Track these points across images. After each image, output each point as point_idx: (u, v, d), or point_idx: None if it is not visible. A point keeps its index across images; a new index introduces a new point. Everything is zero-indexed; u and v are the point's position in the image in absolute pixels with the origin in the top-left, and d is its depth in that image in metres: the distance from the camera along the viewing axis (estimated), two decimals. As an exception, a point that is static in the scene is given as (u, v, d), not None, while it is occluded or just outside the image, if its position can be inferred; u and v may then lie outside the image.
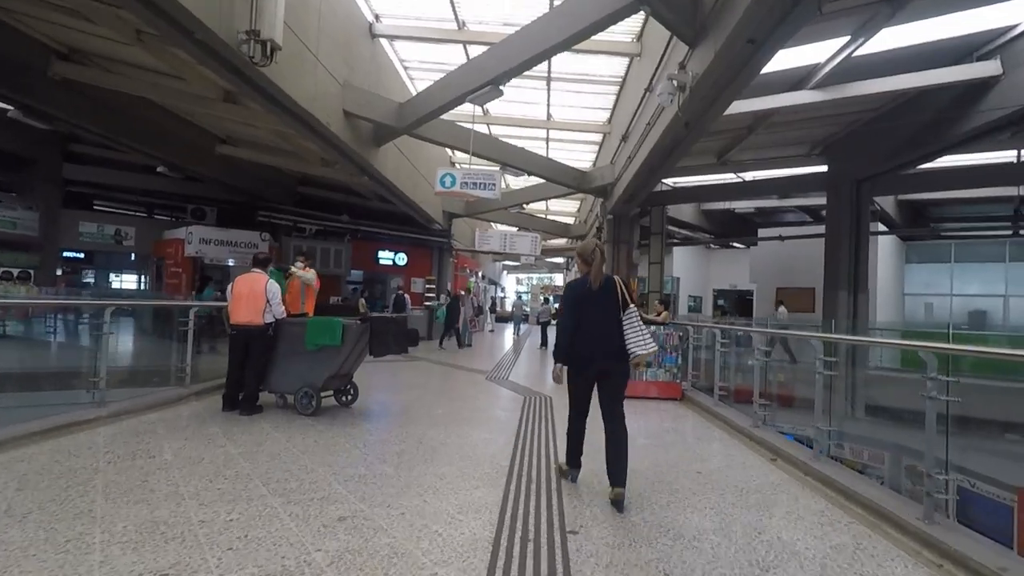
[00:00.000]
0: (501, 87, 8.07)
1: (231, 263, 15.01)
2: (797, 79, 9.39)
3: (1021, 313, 16.13)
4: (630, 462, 3.66)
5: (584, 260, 3.89)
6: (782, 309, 18.66)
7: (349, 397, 6.45)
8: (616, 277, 3.92)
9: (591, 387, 3.85)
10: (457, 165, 13.39)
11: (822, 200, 17.21)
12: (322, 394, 6.06)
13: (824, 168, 12.90)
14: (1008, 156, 12.37)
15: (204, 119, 11.87)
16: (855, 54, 8.25)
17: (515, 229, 21.60)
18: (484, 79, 8.08)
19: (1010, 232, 17.64)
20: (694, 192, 16.94)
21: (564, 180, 13.54)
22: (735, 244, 23.94)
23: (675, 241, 21.45)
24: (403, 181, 13.26)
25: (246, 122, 10.89)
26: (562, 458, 4.26)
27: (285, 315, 5.97)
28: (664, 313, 8.82)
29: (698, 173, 15.01)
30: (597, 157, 15.61)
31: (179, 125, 12.00)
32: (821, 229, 13.50)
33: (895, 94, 9.29)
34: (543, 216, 23.43)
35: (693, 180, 16.08)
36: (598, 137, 14.82)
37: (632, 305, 3.84)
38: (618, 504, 3.54)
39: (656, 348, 3.96)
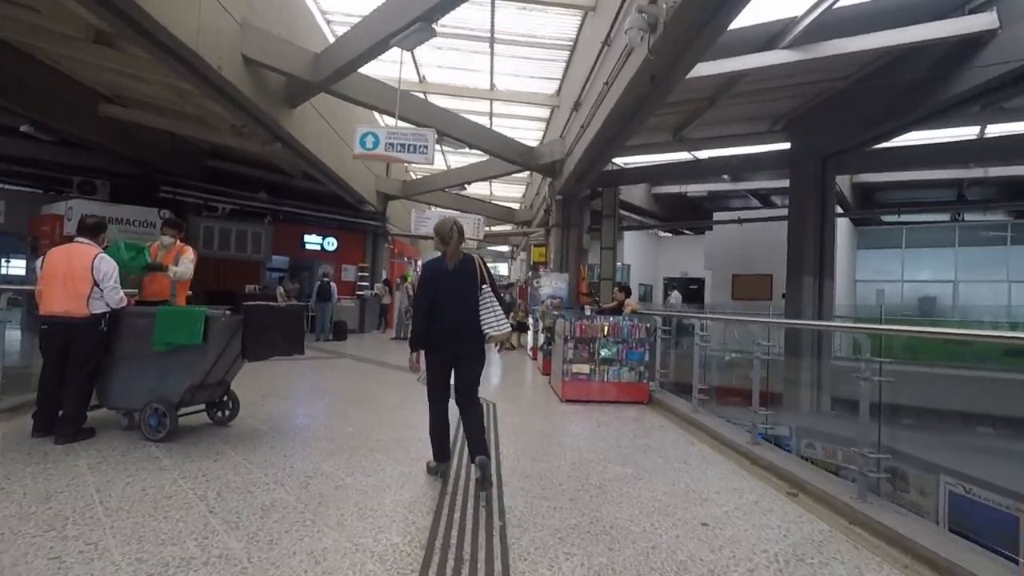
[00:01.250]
0: (433, 25, 6.64)
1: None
2: (770, 37, 8.41)
3: (969, 299, 16.01)
4: (607, 506, 3.38)
5: (442, 239, 3.71)
6: (675, 293, 19.95)
7: (226, 412, 4.87)
8: (475, 256, 3.78)
9: (449, 371, 3.73)
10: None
11: (773, 184, 16.68)
12: (188, 409, 4.51)
13: (786, 145, 12.09)
14: (969, 134, 11.94)
15: (77, 68, 9.74)
16: (836, 6, 7.32)
17: (457, 213, 20.14)
18: (412, 15, 6.65)
19: (948, 218, 17.69)
20: (647, 173, 15.97)
21: (509, 155, 12.23)
22: (686, 231, 23.29)
23: (626, 226, 20.50)
24: (326, 153, 11.60)
25: (130, 72, 9.00)
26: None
27: (124, 304, 4.31)
28: (628, 301, 7.59)
29: (653, 152, 14.04)
30: (544, 135, 14.40)
31: (46, 75, 9.83)
32: (784, 212, 12.73)
33: (875, 54, 8.40)
34: (487, 201, 22.00)
35: (647, 159, 15.08)
36: (545, 112, 13.58)
37: (486, 285, 3.71)
38: (483, 469, 3.39)
39: (510, 329, 3.77)
